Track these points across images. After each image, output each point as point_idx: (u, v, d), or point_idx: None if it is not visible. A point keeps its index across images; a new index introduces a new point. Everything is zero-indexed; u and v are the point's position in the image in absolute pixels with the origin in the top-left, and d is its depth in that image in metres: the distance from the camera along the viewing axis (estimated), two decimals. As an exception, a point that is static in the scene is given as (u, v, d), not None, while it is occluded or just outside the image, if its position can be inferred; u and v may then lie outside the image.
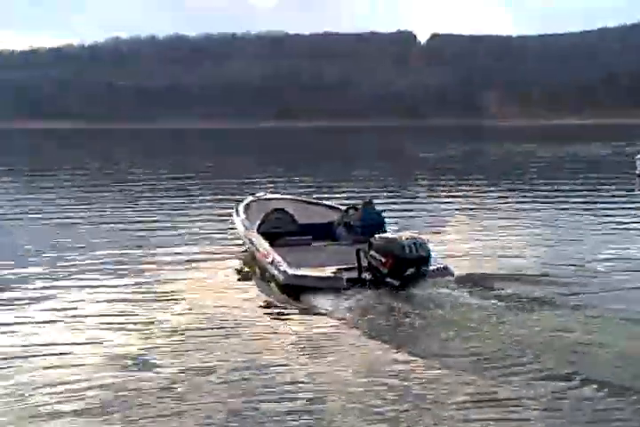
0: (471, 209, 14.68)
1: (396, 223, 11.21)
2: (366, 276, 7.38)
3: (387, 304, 6.85)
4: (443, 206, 15.27)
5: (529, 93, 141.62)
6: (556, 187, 19.19)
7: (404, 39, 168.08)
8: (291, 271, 7.69)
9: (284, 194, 11.98)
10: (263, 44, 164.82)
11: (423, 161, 32.54)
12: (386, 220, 9.36)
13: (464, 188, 19.31)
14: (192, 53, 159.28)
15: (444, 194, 17.86)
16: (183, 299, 7.53)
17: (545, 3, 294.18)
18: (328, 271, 7.60)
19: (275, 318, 6.94)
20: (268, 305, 7.40)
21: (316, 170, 27.16)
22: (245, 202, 10.82)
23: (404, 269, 7.22)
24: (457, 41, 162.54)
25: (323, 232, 9.22)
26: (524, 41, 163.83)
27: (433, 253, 7.60)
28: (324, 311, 6.98)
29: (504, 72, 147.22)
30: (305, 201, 10.87)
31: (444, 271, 7.70)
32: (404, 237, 7.39)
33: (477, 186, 19.92)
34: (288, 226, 9.18)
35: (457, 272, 7.84)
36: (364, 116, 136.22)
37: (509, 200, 16.31)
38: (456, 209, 14.78)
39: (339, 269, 7.57)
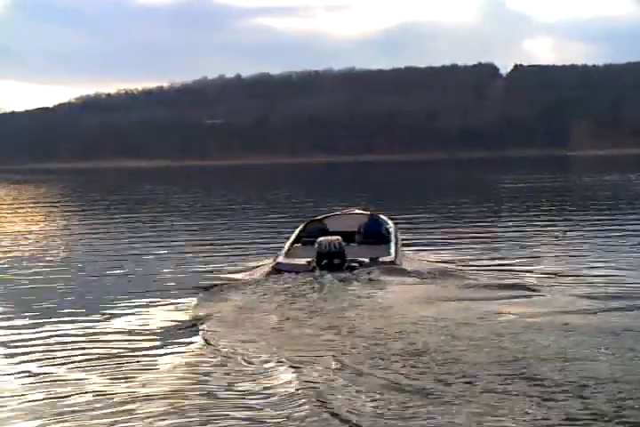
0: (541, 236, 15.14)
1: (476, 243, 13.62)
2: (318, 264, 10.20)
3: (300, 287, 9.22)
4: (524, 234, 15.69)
5: (616, 122, 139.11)
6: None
7: (486, 71, 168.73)
8: (279, 260, 10.73)
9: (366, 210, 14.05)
10: (345, 79, 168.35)
11: (504, 192, 32.79)
12: (389, 227, 12.06)
13: (540, 217, 19.26)
14: (276, 90, 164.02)
15: (520, 223, 17.83)
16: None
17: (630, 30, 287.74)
18: (304, 261, 10.36)
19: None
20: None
21: (398, 200, 28.22)
22: (324, 216, 13.58)
23: (320, 260, 10.11)
24: (540, 71, 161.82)
25: (347, 237, 11.42)
26: (611, 69, 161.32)
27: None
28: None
29: (590, 102, 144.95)
30: (366, 214, 13.19)
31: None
32: (326, 239, 10.33)
33: (560, 215, 19.52)
34: (318, 233, 11.45)
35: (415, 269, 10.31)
36: (444, 148, 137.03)
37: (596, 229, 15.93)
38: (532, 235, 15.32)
39: (312, 260, 10.31)
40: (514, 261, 11.52)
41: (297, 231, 12.36)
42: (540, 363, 5.75)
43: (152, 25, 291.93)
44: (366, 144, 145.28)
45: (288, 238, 12.16)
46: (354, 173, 66.96)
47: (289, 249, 11.38)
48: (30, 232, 18.56)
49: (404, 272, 10.17)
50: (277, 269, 10.32)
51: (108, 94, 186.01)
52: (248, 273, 10.68)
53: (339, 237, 10.47)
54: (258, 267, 11.09)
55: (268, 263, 10.98)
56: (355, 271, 10.04)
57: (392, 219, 13.19)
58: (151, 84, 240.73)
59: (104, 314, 8.36)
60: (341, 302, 8.36)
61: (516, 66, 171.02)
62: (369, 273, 9.94)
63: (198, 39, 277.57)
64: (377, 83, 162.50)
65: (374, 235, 11.80)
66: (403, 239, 12.53)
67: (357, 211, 13.73)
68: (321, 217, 13.32)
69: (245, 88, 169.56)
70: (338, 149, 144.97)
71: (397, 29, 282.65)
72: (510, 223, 17.89)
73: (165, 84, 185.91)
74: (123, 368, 6.14)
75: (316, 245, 10.30)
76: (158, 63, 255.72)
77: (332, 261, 10.14)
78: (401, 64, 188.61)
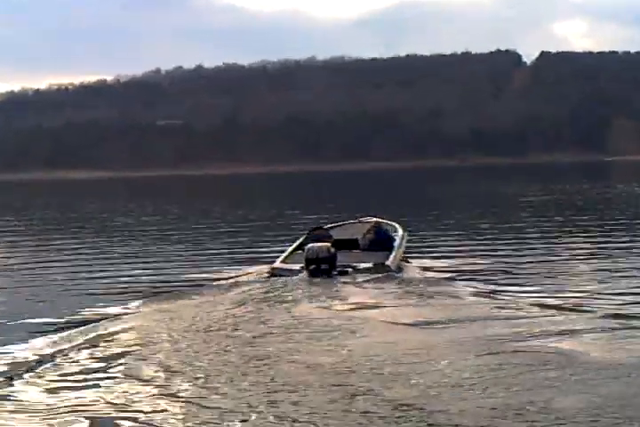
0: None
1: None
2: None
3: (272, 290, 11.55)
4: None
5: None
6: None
7: (505, 60, 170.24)
8: (275, 264, 13.50)
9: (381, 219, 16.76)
10: (332, 71, 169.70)
11: (526, 206, 32.62)
12: (394, 235, 14.84)
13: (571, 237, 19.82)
14: (247, 85, 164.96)
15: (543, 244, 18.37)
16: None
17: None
18: (298, 266, 12.85)
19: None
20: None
21: (409, 212, 28.72)
22: (334, 224, 16.77)
23: (308, 265, 12.49)
24: (571, 60, 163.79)
25: (351, 244, 14.42)
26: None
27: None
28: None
29: (632, 96, 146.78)
30: (372, 222, 15.92)
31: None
32: (315, 246, 12.80)
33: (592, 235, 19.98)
34: (320, 240, 13.62)
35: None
36: (455, 153, 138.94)
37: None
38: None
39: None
40: (514, 278, 12.87)
41: (301, 239, 15.02)
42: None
43: (92, 6, 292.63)
44: (360, 150, 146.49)
45: (290, 245, 15.05)
46: (347, 185, 68.20)
47: (288, 255, 14.20)
48: None
49: (393, 279, 12.32)
50: (272, 274, 13.08)
51: (37, 90, 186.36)
52: (245, 277, 13.44)
53: (328, 244, 12.99)
54: (254, 272, 13.82)
55: (265, 268, 13.68)
56: (341, 276, 12.52)
57: (406, 228, 16.06)
58: (90, 77, 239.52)
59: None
60: (296, 311, 9.83)
61: (542, 53, 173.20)
62: (355, 278, 12.29)
63: (149, 22, 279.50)
64: (372, 75, 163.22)
65: (376, 242, 14.53)
66: (410, 247, 15.41)
67: (366, 219, 16.46)
68: (330, 225, 16.35)
69: (209, 82, 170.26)
70: (324, 155, 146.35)
71: (397, 10, 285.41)
72: (528, 240, 19.18)
73: (109, 78, 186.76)
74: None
75: (305, 251, 12.81)
76: (99, 53, 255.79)
77: (319, 267, 12.52)
78: (401, 52, 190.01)
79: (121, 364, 7.48)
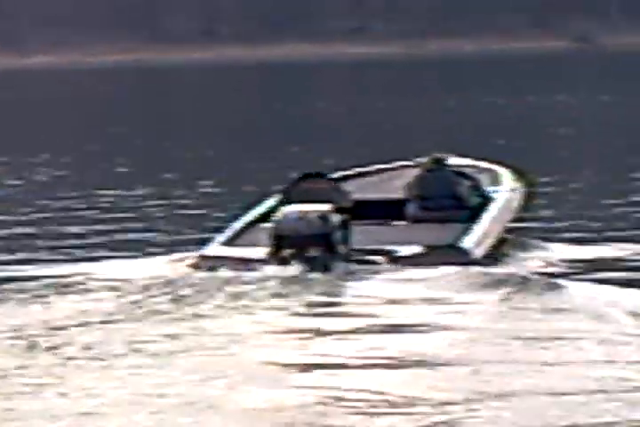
0: None
1: None
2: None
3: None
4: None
5: None
6: None
7: None
8: (209, 248, 12.56)
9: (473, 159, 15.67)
10: None
11: None
12: (488, 188, 13.63)
13: None
14: None
15: None
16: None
17: None
18: (260, 252, 11.73)
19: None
20: None
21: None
22: (370, 169, 15.55)
23: (277, 249, 11.50)
24: None
25: (389, 209, 13.11)
26: None
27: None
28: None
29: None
30: (430, 164, 14.45)
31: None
32: (292, 212, 11.68)
33: None
34: (312, 198, 12.27)
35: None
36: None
37: None
38: None
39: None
40: None
41: (270, 200, 13.63)
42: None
43: None
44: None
45: (245, 213, 14.17)
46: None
47: (240, 230, 12.87)
48: None
49: (475, 281, 10.51)
50: (199, 266, 11.93)
51: None
52: (132, 273, 12.50)
53: (326, 207, 11.59)
54: (160, 264, 12.98)
55: (188, 257, 13.03)
56: (358, 271, 10.85)
57: (524, 176, 14.62)
58: None
59: None
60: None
61: None
62: (388, 278, 10.68)
63: None
64: None
65: (444, 203, 13.09)
66: (528, 217, 14.47)
67: (428, 160, 14.77)
68: (343, 173, 14.72)
69: None
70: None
71: None
72: None
73: None
74: None
75: (277, 220, 11.76)
76: None
77: (303, 253, 11.26)
78: None
79: None
